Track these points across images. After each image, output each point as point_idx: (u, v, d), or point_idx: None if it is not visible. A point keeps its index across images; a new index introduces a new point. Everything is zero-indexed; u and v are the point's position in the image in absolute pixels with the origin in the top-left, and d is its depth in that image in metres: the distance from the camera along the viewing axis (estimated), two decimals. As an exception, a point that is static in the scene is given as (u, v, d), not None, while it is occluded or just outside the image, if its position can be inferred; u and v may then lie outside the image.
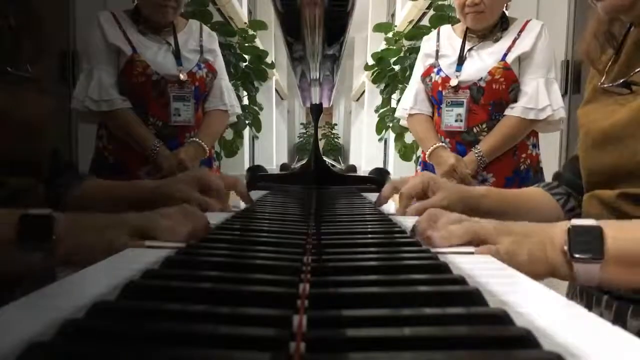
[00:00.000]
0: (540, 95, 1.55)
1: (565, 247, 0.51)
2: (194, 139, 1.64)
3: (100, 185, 0.88)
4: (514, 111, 1.56)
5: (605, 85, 0.70)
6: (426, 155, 1.68)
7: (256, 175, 1.44)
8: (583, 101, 0.76)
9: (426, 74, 1.69)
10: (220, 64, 1.76)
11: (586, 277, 0.51)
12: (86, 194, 0.83)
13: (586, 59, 0.75)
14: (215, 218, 0.69)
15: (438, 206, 0.77)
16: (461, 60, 1.63)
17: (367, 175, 1.50)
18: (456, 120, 1.61)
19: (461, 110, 1.60)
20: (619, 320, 0.63)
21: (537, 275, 0.53)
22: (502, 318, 0.29)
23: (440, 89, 1.63)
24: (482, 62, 1.60)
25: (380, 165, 6.37)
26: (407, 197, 0.83)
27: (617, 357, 0.25)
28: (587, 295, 0.71)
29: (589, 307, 0.69)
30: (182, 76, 1.60)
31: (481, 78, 1.58)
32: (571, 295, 0.76)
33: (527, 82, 1.58)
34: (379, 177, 1.39)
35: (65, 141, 2.26)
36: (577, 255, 0.51)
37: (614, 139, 0.65)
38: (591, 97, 0.74)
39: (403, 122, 1.84)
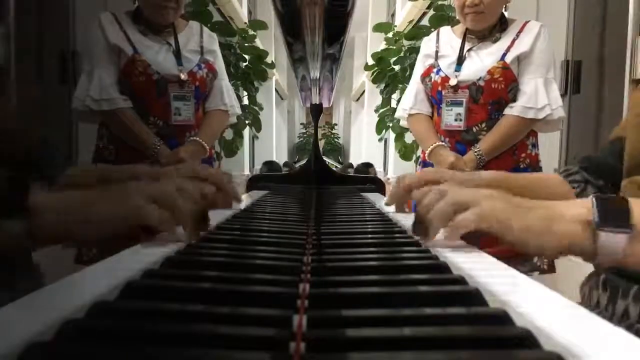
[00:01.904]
0: (539, 95, 1.56)
1: (590, 218, 0.49)
2: (195, 138, 1.64)
3: (87, 173, 0.83)
4: (513, 110, 1.57)
5: None
6: (426, 155, 1.68)
7: (257, 174, 1.44)
8: None
9: (426, 74, 1.70)
10: (220, 65, 1.77)
11: (610, 252, 0.48)
12: (71, 183, 0.80)
13: None
14: (215, 218, 0.69)
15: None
16: (460, 60, 1.63)
17: (354, 170, 1.50)
18: (455, 120, 1.61)
19: (460, 110, 1.60)
20: None
21: (538, 250, 0.51)
22: (502, 318, 0.29)
23: (439, 88, 1.64)
24: (481, 62, 1.61)
25: (380, 166, 6.42)
26: (407, 187, 0.80)
27: (617, 357, 0.25)
28: (612, 287, 0.67)
29: (613, 299, 0.65)
30: (182, 76, 1.60)
31: (480, 77, 1.58)
32: (589, 288, 0.72)
33: (526, 82, 1.58)
34: (366, 171, 1.40)
35: (65, 141, 2.26)
36: (602, 226, 0.48)
37: None
38: None
39: (403, 123, 1.84)
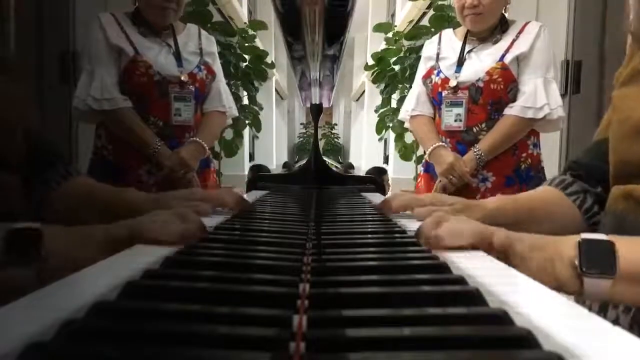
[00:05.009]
0: (538, 94, 1.56)
1: (576, 262, 0.49)
2: (194, 138, 1.65)
3: (88, 187, 0.84)
4: (512, 110, 1.57)
5: None
6: (426, 155, 1.69)
7: (258, 174, 1.44)
8: (620, 82, 0.71)
9: (426, 76, 1.71)
10: (218, 67, 1.78)
11: (595, 293, 0.50)
12: (74, 194, 0.80)
13: (633, 36, 0.70)
14: (215, 218, 0.69)
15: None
16: (461, 61, 1.64)
17: (365, 174, 1.51)
18: (455, 120, 1.62)
19: (460, 110, 1.61)
20: (636, 323, 0.60)
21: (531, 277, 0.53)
22: (502, 318, 0.29)
23: (440, 90, 1.64)
24: (481, 62, 1.61)
25: (381, 165, 6.36)
26: (407, 206, 0.81)
27: (617, 357, 0.25)
28: None
29: (604, 309, 0.65)
30: (183, 77, 1.61)
31: (479, 78, 1.59)
32: None
33: (526, 82, 1.59)
34: (377, 178, 1.39)
35: (65, 141, 2.27)
36: (587, 271, 0.49)
37: None
38: (629, 79, 0.69)
39: (407, 125, 1.85)
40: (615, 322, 0.63)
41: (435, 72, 1.68)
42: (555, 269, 0.51)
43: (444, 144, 1.64)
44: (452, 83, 1.61)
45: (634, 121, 0.64)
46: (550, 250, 0.53)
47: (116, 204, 0.78)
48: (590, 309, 0.69)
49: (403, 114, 1.83)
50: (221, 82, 1.78)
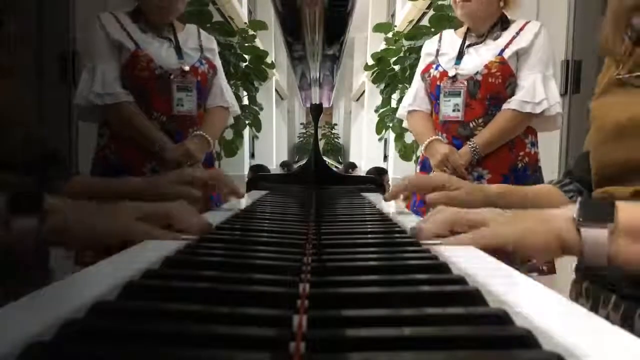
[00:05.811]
0: (537, 90, 1.56)
1: (574, 215, 0.50)
2: (199, 132, 1.64)
3: (88, 183, 0.87)
4: (510, 104, 1.57)
5: (622, 76, 0.68)
6: (422, 148, 1.69)
7: (258, 173, 1.44)
8: (597, 93, 0.74)
9: (425, 71, 1.71)
10: (219, 65, 1.77)
11: (595, 246, 0.49)
12: (73, 193, 0.81)
13: (604, 49, 0.73)
14: (215, 218, 0.69)
15: (462, 198, 0.77)
16: (460, 55, 1.64)
17: (366, 174, 1.51)
18: (454, 110, 1.62)
19: (458, 100, 1.61)
20: (626, 321, 0.61)
21: (534, 249, 0.52)
22: (502, 318, 0.29)
23: (438, 82, 1.64)
24: (480, 57, 1.62)
25: (381, 165, 6.34)
26: (412, 187, 0.82)
27: (617, 357, 0.25)
28: (594, 296, 0.69)
29: (595, 307, 0.67)
30: (185, 67, 1.61)
31: (477, 72, 1.59)
32: (575, 295, 0.74)
33: (524, 77, 1.59)
34: (377, 177, 1.40)
35: (65, 142, 2.27)
36: (584, 221, 0.49)
37: (630, 132, 0.63)
38: (605, 89, 0.72)
39: (405, 124, 1.85)
40: (606, 319, 0.63)
41: (435, 66, 1.68)
42: (550, 225, 0.51)
43: (440, 138, 1.65)
44: (451, 73, 1.62)
45: (608, 126, 0.67)
46: (538, 215, 0.54)
47: (120, 194, 0.80)
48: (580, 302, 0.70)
49: (401, 110, 1.83)
50: (222, 79, 1.78)
